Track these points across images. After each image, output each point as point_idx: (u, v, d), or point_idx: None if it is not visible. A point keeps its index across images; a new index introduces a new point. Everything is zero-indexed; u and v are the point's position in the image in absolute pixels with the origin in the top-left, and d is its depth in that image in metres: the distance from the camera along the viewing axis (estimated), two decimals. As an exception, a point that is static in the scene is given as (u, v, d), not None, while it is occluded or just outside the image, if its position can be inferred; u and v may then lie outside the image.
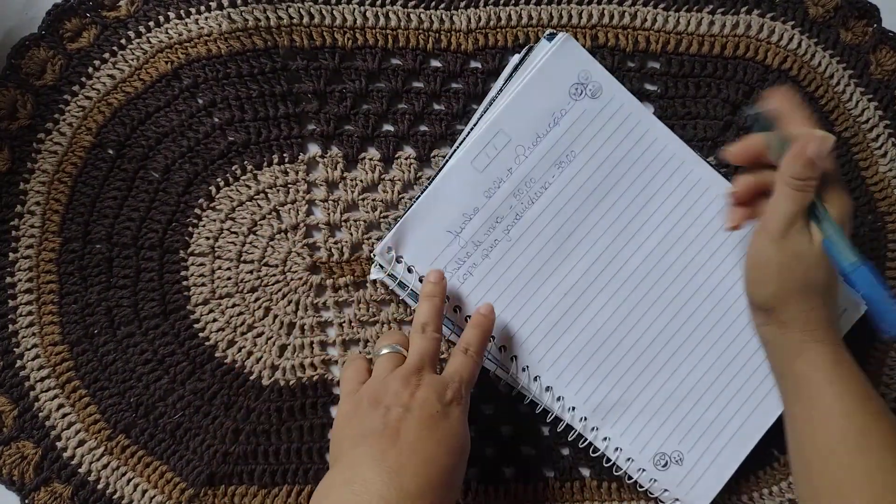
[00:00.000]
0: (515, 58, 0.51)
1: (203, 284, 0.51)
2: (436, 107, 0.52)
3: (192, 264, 0.51)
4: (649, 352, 0.50)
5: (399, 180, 0.52)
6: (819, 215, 0.40)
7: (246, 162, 0.51)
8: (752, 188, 0.43)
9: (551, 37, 0.50)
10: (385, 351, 0.45)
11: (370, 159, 0.52)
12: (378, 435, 0.39)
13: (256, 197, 0.52)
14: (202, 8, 0.50)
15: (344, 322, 0.52)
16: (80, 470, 0.50)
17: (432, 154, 0.52)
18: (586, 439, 0.51)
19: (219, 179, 0.51)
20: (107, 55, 0.50)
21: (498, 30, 0.52)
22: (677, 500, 0.50)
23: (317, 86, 0.51)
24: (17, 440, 0.50)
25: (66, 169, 0.51)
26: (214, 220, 0.51)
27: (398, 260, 0.49)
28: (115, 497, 0.50)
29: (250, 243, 0.52)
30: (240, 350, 0.51)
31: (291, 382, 0.51)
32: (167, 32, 0.50)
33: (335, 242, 0.52)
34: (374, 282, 0.52)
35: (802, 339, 0.39)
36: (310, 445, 0.51)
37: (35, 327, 0.50)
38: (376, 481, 0.37)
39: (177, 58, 0.50)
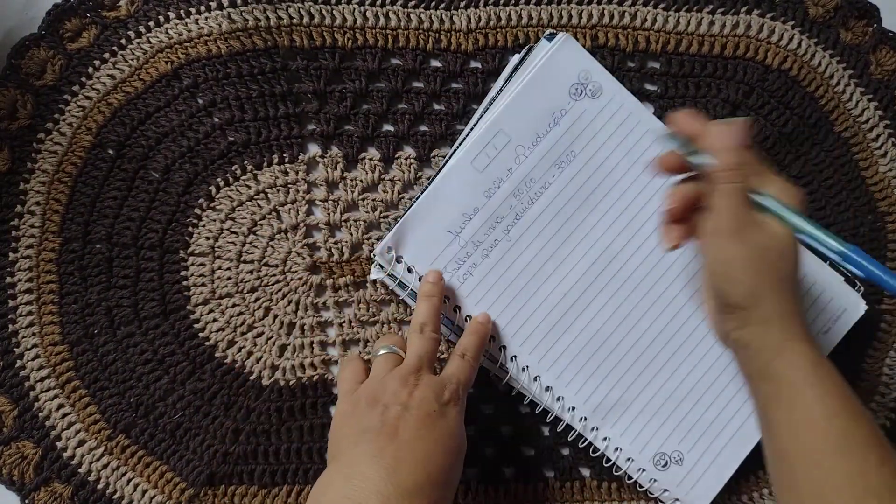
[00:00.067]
0: (515, 58, 0.51)
1: (203, 284, 0.51)
2: (436, 107, 0.52)
3: (192, 264, 0.51)
4: (649, 351, 0.50)
5: (399, 180, 0.52)
6: (779, 211, 0.38)
7: (246, 162, 0.51)
8: (687, 199, 0.41)
9: (551, 37, 0.50)
10: (383, 352, 0.45)
11: (370, 159, 0.52)
12: (376, 433, 0.40)
13: (256, 197, 0.52)
14: (202, 8, 0.50)
15: (344, 322, 0.52)
16: (80, 470, 0.50)
17: (432, 154, 0.52)
18: (586, 439, 0.51)
19: (219, 179, 0.51)
20: (107, 55, 0.51)
21: (498, 30, 0.52)
22: (677, 500, 0.50)
23: (317, 86, 0.51)
24: (17, 440, 0.50)
25: (66, 169, 0.51)
26: (214, 220, 0.51)
27: (398, 260, 0.49)
28: (115, 497, 0.50)
29: (250, 243, 0.52)
30: (240, 350, 0.51)
31: (291, 382, 0.51)
32: (167, 32, 0.50)
33: (335, 242, 0.52)
34: (374, 282, 0.52)
35: (782, 337, 0.38)
36: (310, 445, 0.51)
37: (35, 327, 0.50)
38: (374, 477, 0.37)
39: (177, 58, 0.50)
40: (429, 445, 0.40)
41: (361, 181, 0.52)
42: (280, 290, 0.52)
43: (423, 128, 0.52)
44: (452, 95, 0.52)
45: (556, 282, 0.50)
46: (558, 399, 0.50)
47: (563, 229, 0.50)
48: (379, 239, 0.51)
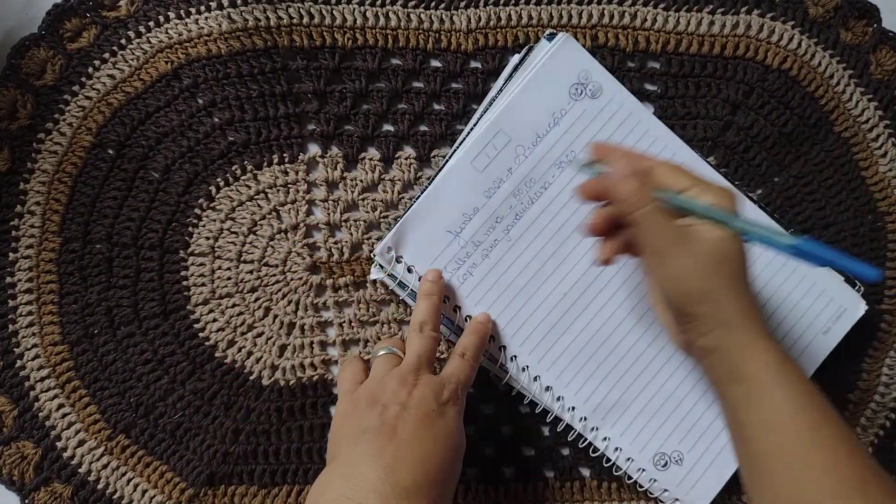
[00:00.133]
0: (515, 58, 0.51)
1: (203, 284, 0.51)
2: (436, 107, 0.52)
3: (192, 264, 0.51)
4: (649, 352, 0.50)
5: (399, 180, 0.52)
6: (721, 218, 0.38)
7: (246, 162, 0.51)
8: (609, 219, 0.42)
9: (551, 37, 0.50)
10: (382, 352, 0.46)
11: (370, 159, 0.52)
12: (375, 432, 0.40)
13: (256, 197, 0.52)
14: (202, 8, 0.50)
15: (344, 322, 0.52)
16: (80, 470, 0.50)
17: (432, 154, 0.52)
18: (586, 439, 0.51)
19: (219, 179, 0.51)
20: (107, 55, 0.50)
21: (498, 30, 0.52)
22: (677, 500, 0.50)
23: (317, 86, 0.51)
24: (17, 440, 0.50)
25: (66, 169, 0.51)
26: (214, 220, 0.51)
27: (398, 260, 0.49)
28: (115, 497, 0.50)
29: (250, 243, 0.52)
30: (240, 350, 0.51)
31: (291, 382, 0.51)
32: (167, 32, 0.50)
33: (335, 242, 0.52)
34: (374, 282, 0.52)
35: (746, 337, 0.38)
36: (310, 445, 0.51)
37: (35, 327, 0.50)
38: (373, 477, 0.38)
39: (177, 58, 0.50)
40: (427, 445, 0.40)
41: (361, 181, 0.52)
42: (280, 290, 0.52)
43: (423, 128, 0.52)
44: (452, 95, 0.52)
45: (556, 282, 0.50)
46: (558, 399, 0.50)
47: (563, 229, 0.50)
48: (379, 239, 0.51)
